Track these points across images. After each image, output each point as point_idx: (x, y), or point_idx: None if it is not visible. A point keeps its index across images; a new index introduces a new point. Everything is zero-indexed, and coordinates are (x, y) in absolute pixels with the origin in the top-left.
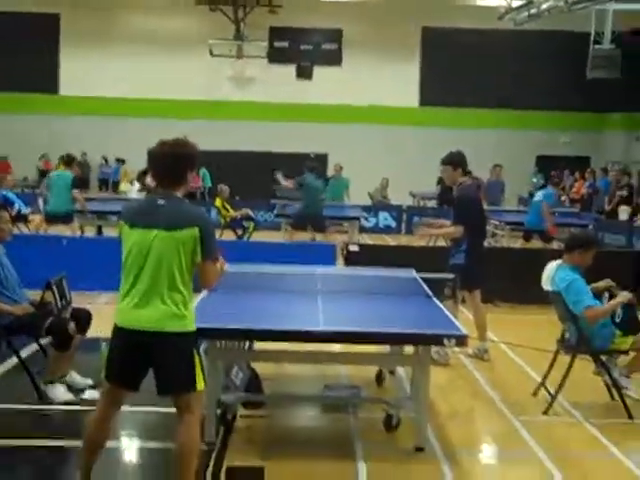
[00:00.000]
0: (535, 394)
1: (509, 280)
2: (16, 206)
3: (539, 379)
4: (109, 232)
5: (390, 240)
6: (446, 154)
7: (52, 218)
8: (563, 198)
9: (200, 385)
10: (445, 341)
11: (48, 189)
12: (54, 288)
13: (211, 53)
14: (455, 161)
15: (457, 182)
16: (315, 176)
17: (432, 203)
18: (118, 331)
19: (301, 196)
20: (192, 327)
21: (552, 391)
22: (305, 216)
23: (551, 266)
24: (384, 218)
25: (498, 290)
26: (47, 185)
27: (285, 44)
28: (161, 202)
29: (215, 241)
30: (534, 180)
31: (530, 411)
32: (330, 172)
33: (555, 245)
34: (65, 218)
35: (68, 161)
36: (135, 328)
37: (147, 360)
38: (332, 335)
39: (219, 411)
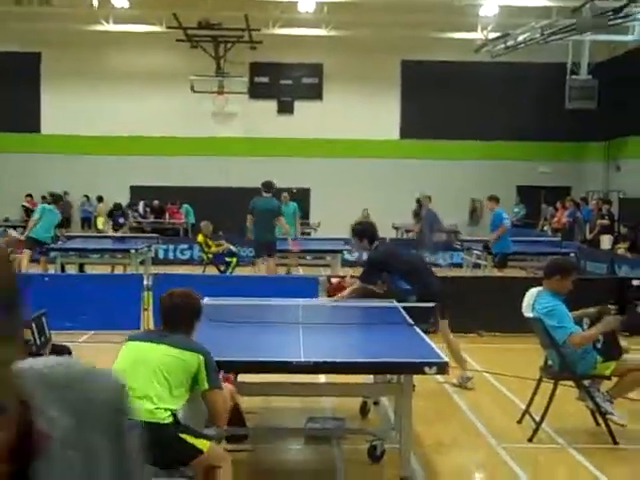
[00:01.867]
0: (520, 421)
1: (491, 309)
2: None
3: (523, 406)
4: (91, 270)
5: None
6: (355, 226)
7: (35, 244)
8: (545, 228)
9: (204, 445)
10: (426, 369)
11: (40, 218)
12: (33, 325)
13: (192, 89)
14: (358, 233)
15: (367, 248)
16: (266, 199)
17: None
18: None
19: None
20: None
21: (537, 418)
22: (260, 244)
23: (531, 293)
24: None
25: (481, 320)
26: (40, 212)
27: (265, 79)
28: (165, 334)
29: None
30: (515, 210)
31: (515, 438)
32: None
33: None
34: (45, 249)
35: (55, 199)
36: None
37: None
38: (312, 365)
39: None
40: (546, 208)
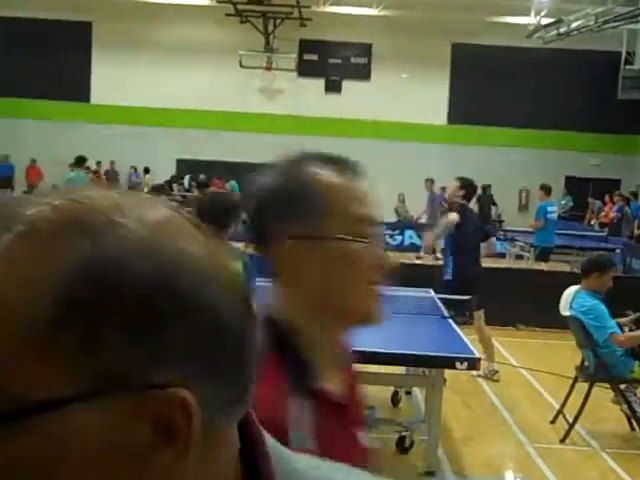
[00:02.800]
0: (553, 421)
1: (531, 303)
2: None
3: (558, 406)
4: None
5: (415, 259)
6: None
7: None
8: (593, 222)
9: None
10: (457, 364)
11: None
12: None
13: (241, 64)
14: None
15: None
16: None
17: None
18: None
19: None
20: None
21: (570, 419)
22: None
23: (569, 291)
24: (409, 236)
25: (519, 314)
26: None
27: (314, 57)
28: None
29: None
30: (563, 202)
31: (547, 438)
32: None
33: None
34: None
35: (78, 162)
36: None
37: None
38: None
39: None
40: (593, 202)
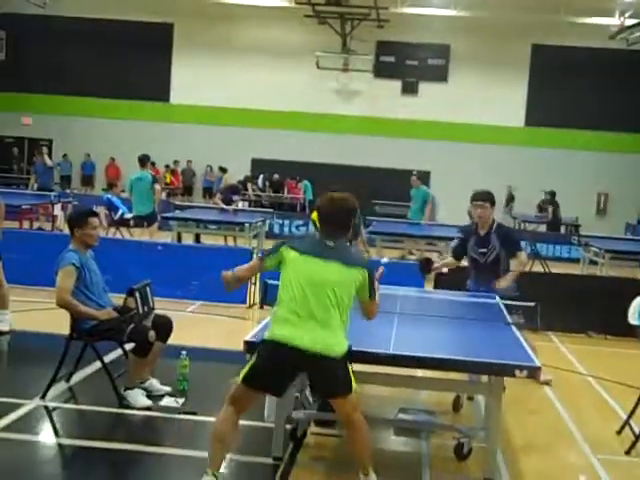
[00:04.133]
0: (619, 432)
1: (603, 310)
2: (120, 211)
3: (625, 416)
4: (207, 241)
5: None
6: (481, 192)
7: (137, 221)
8: None
9: (354, 383)
10: (517, 372)
11: (130, 193)
12: (137, 295)
13: (318, 65)
14: (493, 199)
15: (491, 220)
16: None
17: (533, 227)
18: (277, 345)
19: None
20: (345, 349)
21: (637, 430)
22: None
23: (638, 300)
24: None
25: (591, 321)
26: (129, 187)
27: (391, 59)
28: (330, 244)
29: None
30: None
31: (612, 449)
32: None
33: None
34: (149, 220)
35: (142, 161)
36: (298, 347)
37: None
38: (398, 358)
39: (289, 427)
40: None
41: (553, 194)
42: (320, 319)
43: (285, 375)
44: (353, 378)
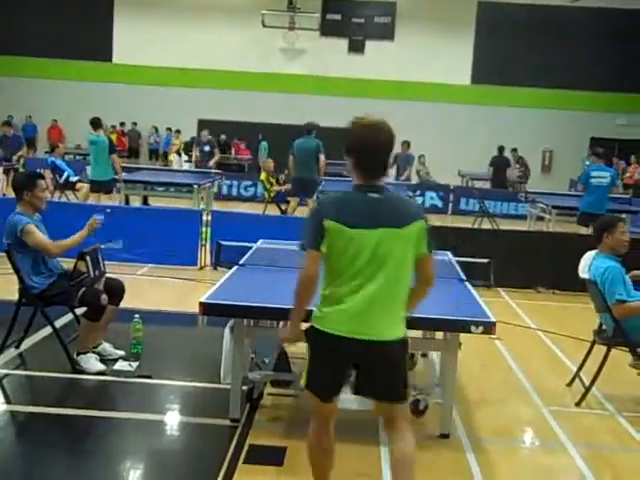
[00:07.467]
0: (569, 384)
1: (552, 266)
2: (65, 174)
3: (575, 369)
4: (155, 203)
5: (436, 220)
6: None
7: (94, 187)
8: (617, 183)
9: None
10: (472, 328)
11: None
12: (87, 258)
13: (263, 24)
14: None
15: None
16: (306, 138)
17: (480, 184)
18: (336, 340)
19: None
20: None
21: (587, 382)
22: (297, 181)
23: (589, 254)
24: (430, 197)
25: (540, 276)
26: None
27: (338, 17)
28: (375, 196)
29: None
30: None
31: (562, 401)
32: None
33: None
34: (106, 186)
35: (94, 124)
36: (362, 338)
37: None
38: None
39: (245, 388)
40: (618, 162)
41: (499, 150)
42: (387, 299)
43: (345, 372)
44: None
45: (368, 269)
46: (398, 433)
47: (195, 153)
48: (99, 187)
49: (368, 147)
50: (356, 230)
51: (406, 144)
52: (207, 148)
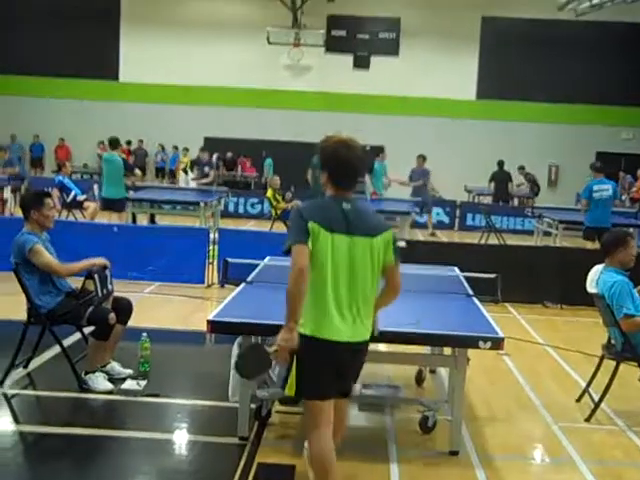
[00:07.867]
0: (579, 400)
1: (559, 281)
2: (72, 192)
3: (584, 384)
4: (162, 221)
5: (442, 236)
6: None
7: (106, 205)
8: (623, 197)
9: None
10: (480, 344)
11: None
12: (95, 277)
13: (268, 41)
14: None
15: None
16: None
17: (487, 199)
18: (333, 344)
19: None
20: None
21: (596, 397)
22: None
23: (596, 268)
24: (437, 213)
25: (547, 291)
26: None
27: (342, 33)
28: (348, 206)
29: None
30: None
31: (572, 417)
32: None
33: None
34: (118, 205)
35: (112, 143)
36: (351, 341)
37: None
38: None
39: (253, 406)
40: (624, 176)
41: (499, 164)
42: (362, 303)
43: (345, 372)
44: None
45: (349, 274)
46: (342, 424)
47: (195, 173)
48: (111, 205)
49: (340, 162)
50: (335, 235)
51: (421, 158)
52: (207, 169)
